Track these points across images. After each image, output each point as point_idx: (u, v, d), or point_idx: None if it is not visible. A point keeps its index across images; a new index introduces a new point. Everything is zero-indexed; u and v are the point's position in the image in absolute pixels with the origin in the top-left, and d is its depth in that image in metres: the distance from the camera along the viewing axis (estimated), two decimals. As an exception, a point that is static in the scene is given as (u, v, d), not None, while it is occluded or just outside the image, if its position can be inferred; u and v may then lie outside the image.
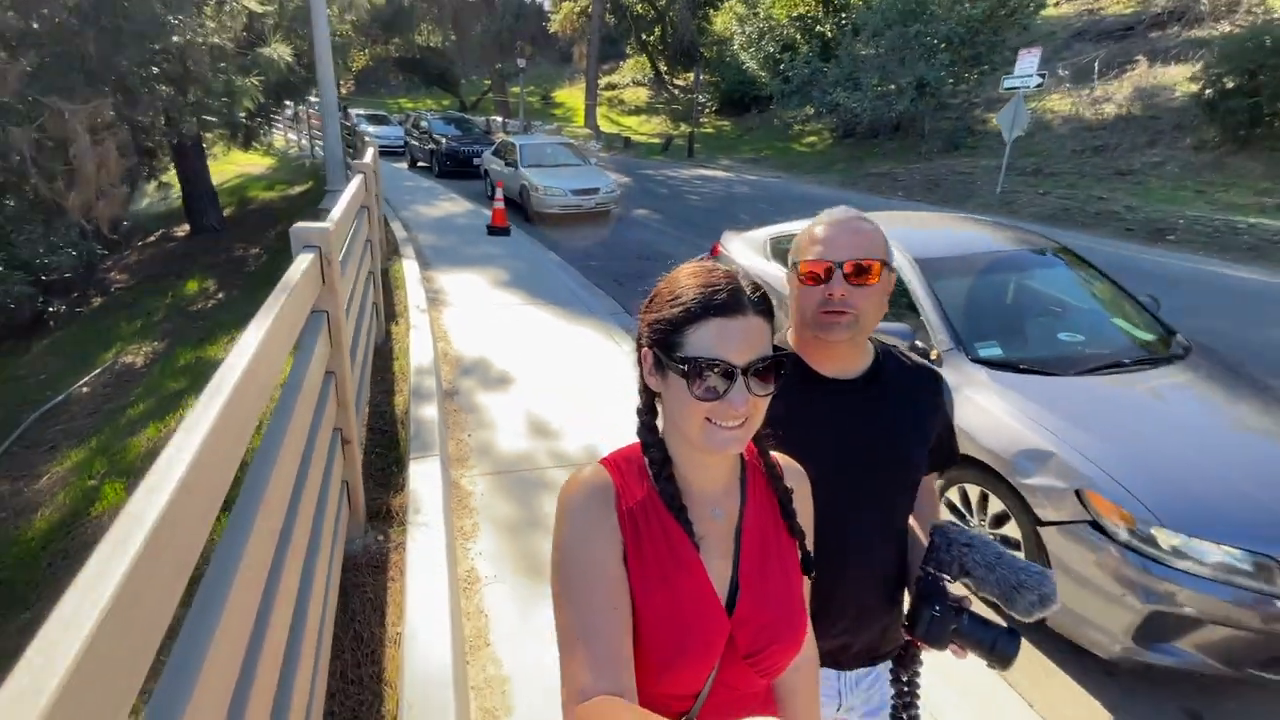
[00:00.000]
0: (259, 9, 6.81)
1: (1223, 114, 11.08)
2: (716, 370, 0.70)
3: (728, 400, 0.70)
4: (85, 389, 5.07)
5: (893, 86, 16.51)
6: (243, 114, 7.46)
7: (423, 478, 2.91)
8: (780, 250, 4.34)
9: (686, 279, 0.75)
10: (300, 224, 2.05)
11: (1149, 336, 3.11)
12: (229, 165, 17.83)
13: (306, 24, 8.59)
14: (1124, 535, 2.15)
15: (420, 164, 16.79)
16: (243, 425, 1.08)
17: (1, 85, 4.05)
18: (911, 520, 1.17)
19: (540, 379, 4.34)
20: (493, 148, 13.05)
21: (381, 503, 2.77)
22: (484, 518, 2.87)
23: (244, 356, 1.13)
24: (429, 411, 3.58)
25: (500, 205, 9.31)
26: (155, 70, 5.81)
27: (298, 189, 12.88)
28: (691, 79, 29.99)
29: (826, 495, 0.98)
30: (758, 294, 0.74)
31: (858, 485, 1.05)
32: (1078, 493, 2.26)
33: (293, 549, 1.33)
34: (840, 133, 19.79)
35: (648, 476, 0.80)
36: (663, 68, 34.58)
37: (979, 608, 1.05)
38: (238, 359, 1.12)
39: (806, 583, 0.89)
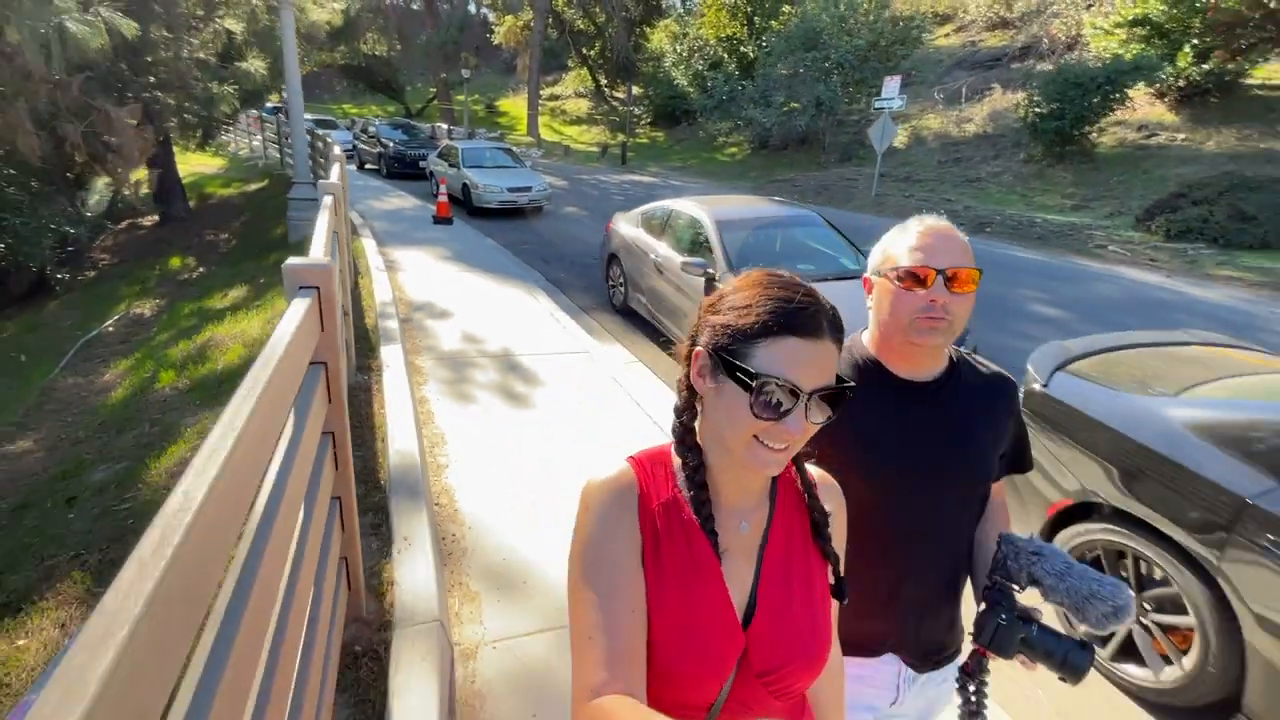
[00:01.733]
0: (236, 29, 8.17)
1: (1041, 134, 13.69)
2: (784, 391, 0.67)
3: (784, 423, 0.68)
4: (110, 329, 6.35)
5: (796, 105, 18.83)
6: (219, 118, 8.76)
7: (389, 354, 4.53)
8: (647, 221, 6.11)
9: (764, 288, 0.72)
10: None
11: (851, 264, 5.01)
12: (181, 165, 18.55)
13: (269, 39, 9.96)
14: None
15: (368, 166, 18.02)
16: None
17: (67, 93, 5.32)
18: (981, 529, 1.16)
19: (472, 314, 5.95)
20: (437, 150, 14.51)
21: (363, 365, 4.36)
22: (430, 375, 4.48)
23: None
24: (391, 325, 5.18)
25: (444, 199, 10.85)
26: (152, 79, 7.14)
27: (253, 186, 14.00)
28: (637, 92, 32.04)
29: (891, 493, 1.01)
30: (836, 319, 0.72)
31: (924, 486, 1.06)
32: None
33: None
34: (756, 145, 22.08)
35: (675, 479, 0.78)
36: (602, 81, 36.49)
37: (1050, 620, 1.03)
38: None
39: (836, 606, 0.85)
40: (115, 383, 4.96)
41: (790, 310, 0.68)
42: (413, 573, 2.36)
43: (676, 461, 0.79)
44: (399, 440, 3.31)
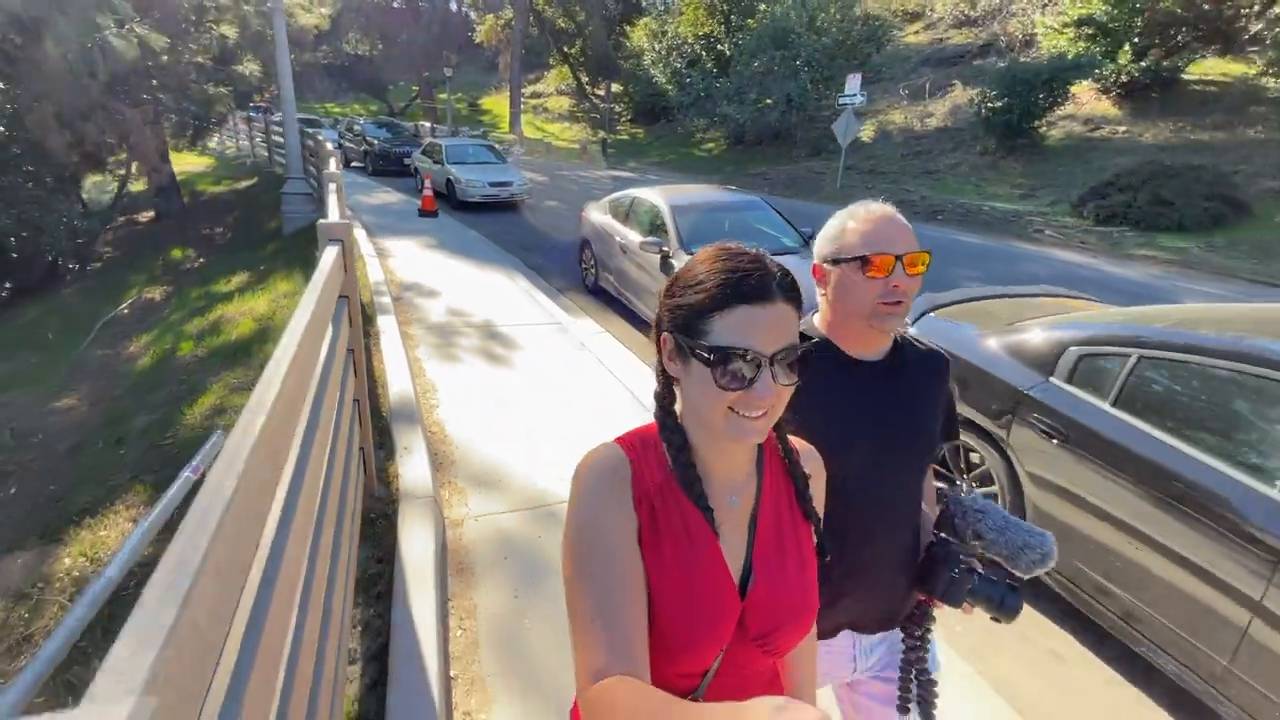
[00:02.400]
0: (231, 34, 8.72)
1: (993, 127, 14.54)
2: (743, 360, 0.68)
3: (753, 390, 0.69)
4: (126, 311, 6.93)
5: (769, 101, 19.58)
6: (214, 118, 9.33)
7: (384, 322, 5.19)
8: (614, 208, 6.79)
9: (711, 262, 0.73)
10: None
11: (789, 242, 5.73)
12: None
13: (260, 43, 10.50)
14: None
15: (354, 164, 18.52)
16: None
17: (87, 97, 5.88)
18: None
19: (457, 293, 6.61)
20: (421, 148, 15.08)
21: (364, 331, 5.02)
22: (420, 340, 5.15)
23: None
24: (385, 300, 5.84)
25: (429, 194, 11.46)
26: (154, 82, 7.71)
27: (243, 183, 14.49)
28: (616, 89, 32.65)
29: (863, 472, 1.06)
30: (786, 279, 0.72)
31: (888, 461, 1.11)
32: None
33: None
34: (732, 140, 22.82)
35: (664, 460, 0.79)
36: (584, 78, 37.07)
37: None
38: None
39: (817, 564, 0.89)
40: (140, 353, 5.58)
41: (737, 279, 0.69)
42: (412, 470, 3.05)
43: (666, 448, 0.79)
44: (396, 385, 3.99)
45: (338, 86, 40.05)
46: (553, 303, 6.54)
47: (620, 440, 0.81)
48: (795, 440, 0.89)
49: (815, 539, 0.87)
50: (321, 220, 2.53)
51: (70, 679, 2.22)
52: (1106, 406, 2.44)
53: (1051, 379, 2.66)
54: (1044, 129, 14.81)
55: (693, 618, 0.75)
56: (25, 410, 4.61)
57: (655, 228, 5.86)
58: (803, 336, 0.74)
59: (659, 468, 0.78)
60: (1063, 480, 2.52)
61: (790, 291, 0.72)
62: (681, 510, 0.77)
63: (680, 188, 6.74)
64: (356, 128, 18.97)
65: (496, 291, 6.82)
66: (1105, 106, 15.35)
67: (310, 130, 12.88)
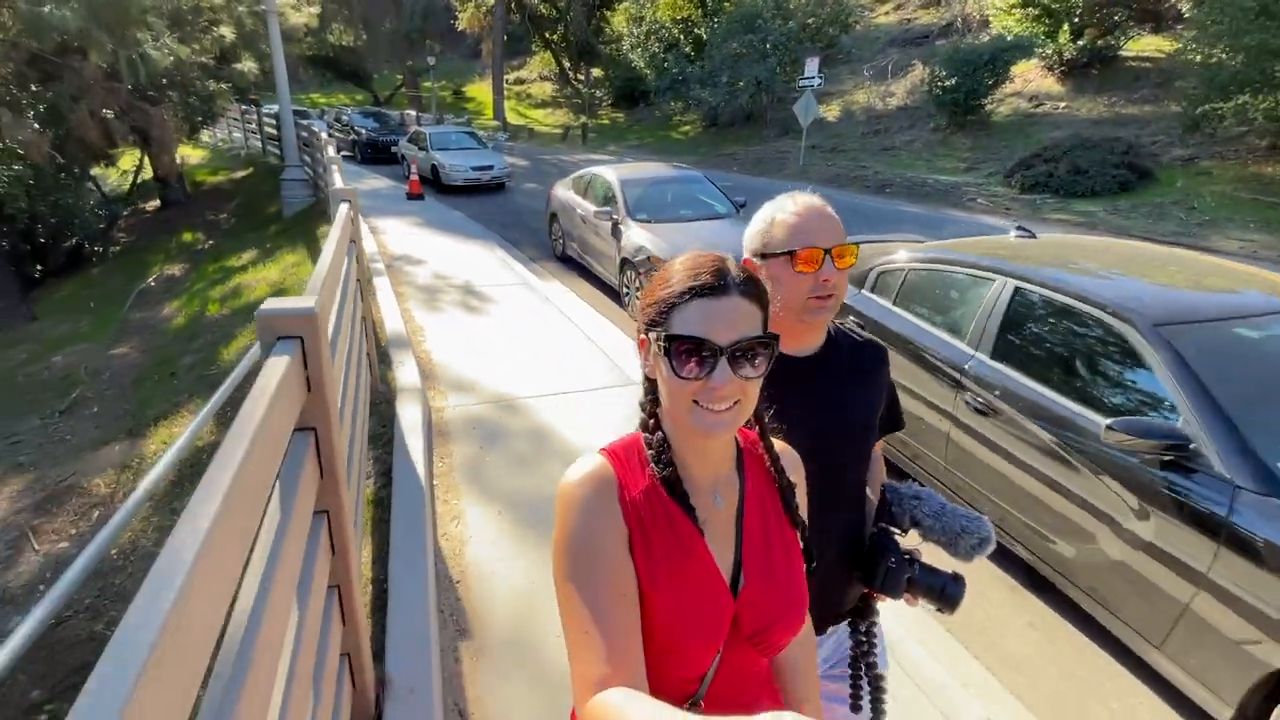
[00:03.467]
0: (230, 35, 9.59)
1: (943, 105, 15.53)
2: (698, 349, 0.71)
3: (712, 380, 0.71)
4: (153, 284, 7.91)
5: (740, 84, 20.45)
6: (216, 112, 10.22)
7: (380, 283, 6.22)
8: (576, 184, 7.77)
9: (678, 266, 0.77)
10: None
11: (722, 210, 6.76)
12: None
13: (253, 41, 11.35)
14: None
15: (344, 153, 19.34)
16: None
17: (115, 98, 6.79)
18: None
19: (441, 261, 7.62)
20: (407, 136, 15.95)
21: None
22: (410, 296, 6.17)
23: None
24: (379, 266, 6.86)
25: (416, 178, 12.39)
26: (164, 81, 8.62)
27: (240, 173, 15.35)
28: (596, 74, 33.33)
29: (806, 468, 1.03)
30: (745, 276, 0.75)
31: (829, 456, 1.09)
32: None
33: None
34: (707, 123, 23.68)
35: (648, 465, 0.80)
36: (566, 64, 37.63)
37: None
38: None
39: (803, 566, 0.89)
40: (174, 314, 6.58)
41: (694, 275, 0.73)
42: (405, 375, 4.10)
43: (647, 449, 0.81)
44: (391, 325, 5.03)
45: (323, 77, 40.42)
46: (525, 268, 7.56)
47: (604, 451, 0.82)
48: (779, 444, 0.90)
49: (802, 544, 0.88)
50: (333, 187, 3.54)
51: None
52: (889, 304, 3.51)
53: (861, 290, 3.72)
54: (991, 106, 15.79)
55: (688, 618, 0.76)
56: (90, 356, 5.63)
57: (608, 199, 6.87)
58: (767, 333, 0.75)
59: (643, 474, 0.80)
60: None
61: (748, 287, 0.74)
62: (667, 512, 0.78)
63: (632, 165, 7.76)
64: (344, 118, 19.77)
65: (475, 260, 7.83)
66: (1050, 84, 16.33)
67: (303, 122, 13.77)
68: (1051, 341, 2.72)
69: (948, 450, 3.04)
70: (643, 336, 0.79)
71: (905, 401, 3.31)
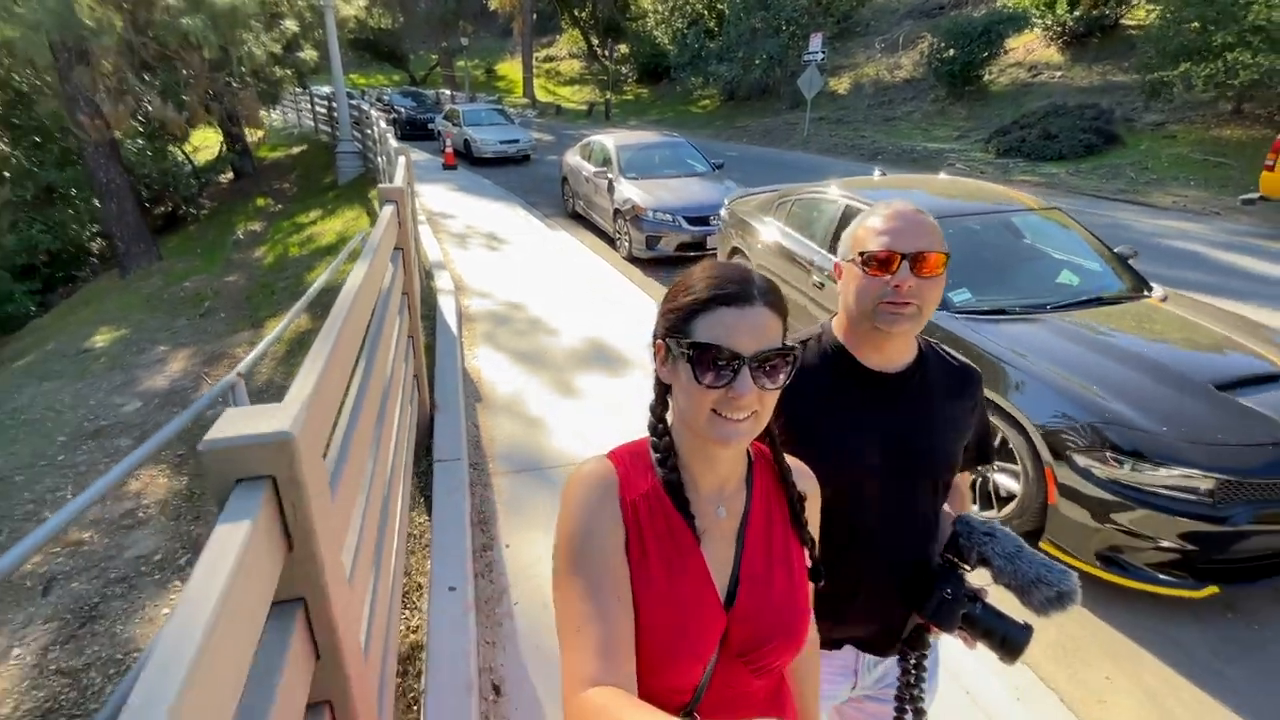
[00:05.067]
0: (295, 28, 11.22)
1: (942, 76, 16.35)
2: (722, 358, 0.71)
3: (733, 389, 0.71)
4: (241, 236, 9.73)
5: (757, 60, 21.40)
6: (280, 95, 11.93)
7: (423, 230, 7.82)
8: (582, 150, 9.22)
9: (700, 272, 0.77)
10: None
11: (700, 169, 8.13)
12: (217, 136, 21.89)
13: (310, 31, 13.00)
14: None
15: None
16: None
17: (218, 84, 8.46)
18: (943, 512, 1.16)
19: (471, 217, 9.19)
20: (443, 113, 17.55)
21: (409, 234, 7.70)
22: (445, 240, 7.76)
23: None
24: (421, 219, 8.47)
25: (450, 151, 13.99)
26: (244, 69, 10.34)
27: (296, 150, 17.21)
28: (621, 51, 34.37)
29: (864, 486, 1.02)
30: (769, 287, 0.75)
31: (891, 477, 1.07)
32: (630, 210, 7.25)
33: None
34: (725, 97, 24.66)
35: (653, 469, 0.81)
36: (594, 41, 38.65)
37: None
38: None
39: (811, 586, 0.88)
40: (264, 256, 8.33)
41: (718, 283, 0.73)
42: (442, 283, 5.69)
43: (653, 453, 0.81)
44: (432, 254, 6.63)
45: (362, 59, 42.34)
46: (539, 222, 9.08)
47: (610, 454, 0.83)
48: (791, 459, 0.89)
49: (810, 561, 0.87)
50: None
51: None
52: (780, 223, 4.91)
53: (765, 217, 5.12)
54: (991, 76, 16.53)
55: (674, 625, 0.76)
56: (209, 282, 7.41)
57: (606, 161, 8.31)
58: (788, 345, 0.74)
59: (646, 477, 0.80)
60: (762, 255, 5.02)
61: (771, 298, 0.74)
62: (668, 519, 0.79)
63: (628, 133, 9.17)
64: (385, 98, 21.54)
65: (499, 215, 9.39)
66: (1051, 53, 16.92)
67: (352, 103, 15.47)
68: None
69: (804, 316, 4.46)
70: (660, 341, 0.78)
71: (785, 291, 4.74)
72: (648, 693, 0.76)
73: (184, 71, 8.09)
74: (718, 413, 0.72)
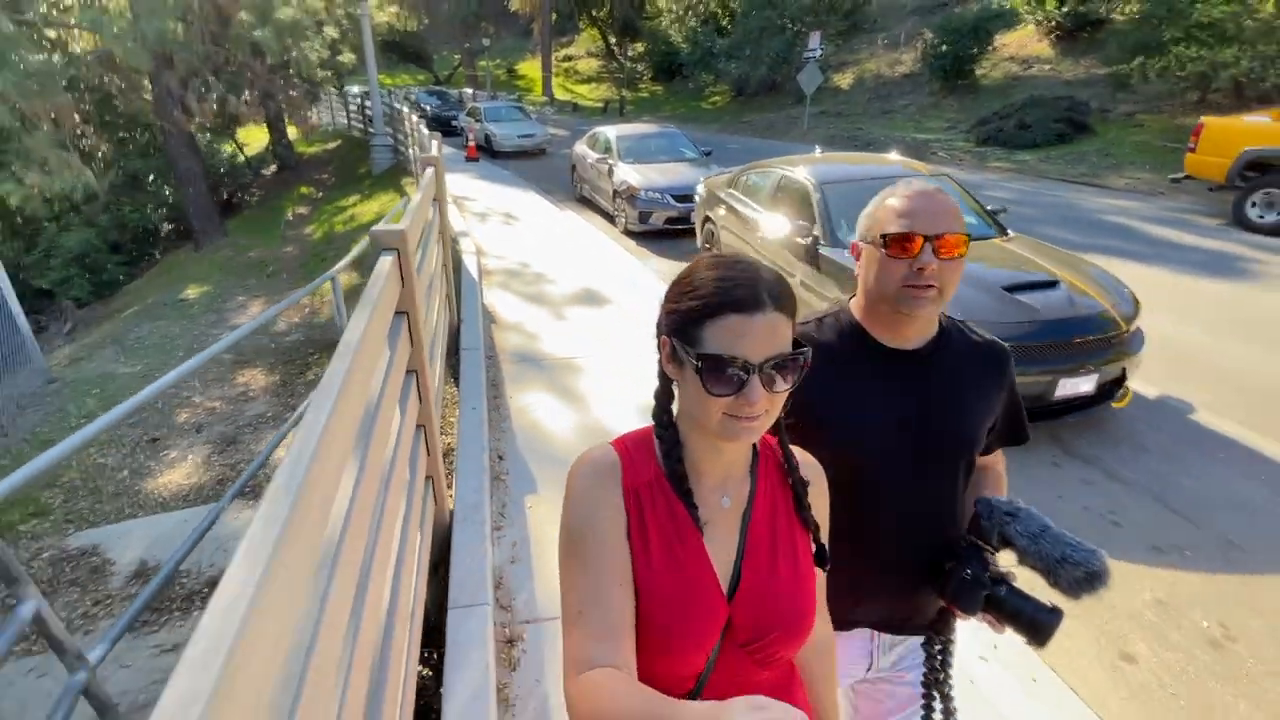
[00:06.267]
0: (335, 34, 12.58)
1: (936, 71, 17.22)
2: (733, 367, 0.70)
3: (744, 396, 0.70)
4: (291, 217, 11.12)
5: (764, 57, 22.39)
6: (319, 95, 13.32)
7: (450, 210, 9.09)
8: (589, 140, 10.39)
9: (705, 270, 0.75)
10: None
11: (691, 155, 9.26)
12: (261, 133, 23.49)
13: (347, 36, 14.36)
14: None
15: (412, 127, 22.59)
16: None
17: (274, 84, 9.84)
18: (970, 494, 1.14)
19: (490, 201, 10.43)
20: (465, 110, 18.88)
21: (437, 212, 9.00)
22: (469, 217, 9.01)
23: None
24: (449, 199, 9.75)
25: (472, 145, 15.29)
26: (290, 71, 11.71)
27: (331, 145, 18.70)
28: (637, 49, 35.53)
29: (881, 467, 1.00)
30: (778, 287, 0.73)
31: (908, 457, 1.05)
32: (631, 194, 8.42)
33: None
34: (735, 93, 25.68)
35: (657, 458, 0.81)
36: (611, 40, 39.83)
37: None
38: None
39: (821, 575, 0.89)
40: (313, 233, 9.67)
41: (727, 288, 0.71)
42: (466, 246, 6.92)
43: (658, 444, 0.82)
44: (457, 226, 7.87)
45: (388, 59, 44.09)
46: (551, 205, 10.29)
47: (615, 442, 0.83)
48: (798, 451, 0.89)
49: (815, 547, 0.86)
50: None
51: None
52: (736, 193, 6.03)
53: (729, 188, 6.24)
54: (983, 70, 17.34)
55: (675, 613, 0.77)
56: (270, 253, 8.78)
57: (607, 149, 9.48)
58: (797, 344, 0.73)
59: (651, 465, 0.81)
60: (723, 219, 6.15)
61: (782, 300, 0.72)
62: (671, 507, 0.79)
63: (628, 125, 10.33)
64: (411, 97, 22.96)
65: (515, 199, 10.63)
66: (1043, 48, 17.68)
67: (384, 101, 16.87)
68: (789, 199, 5.22)
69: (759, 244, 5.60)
70: (664, 337, 0.78)
71: (733, 241, 5.87)
72: (652, 679, 0.76)
73: (248, 75, 9.44)
74: (729, 415, 0.72)
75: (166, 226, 12.01)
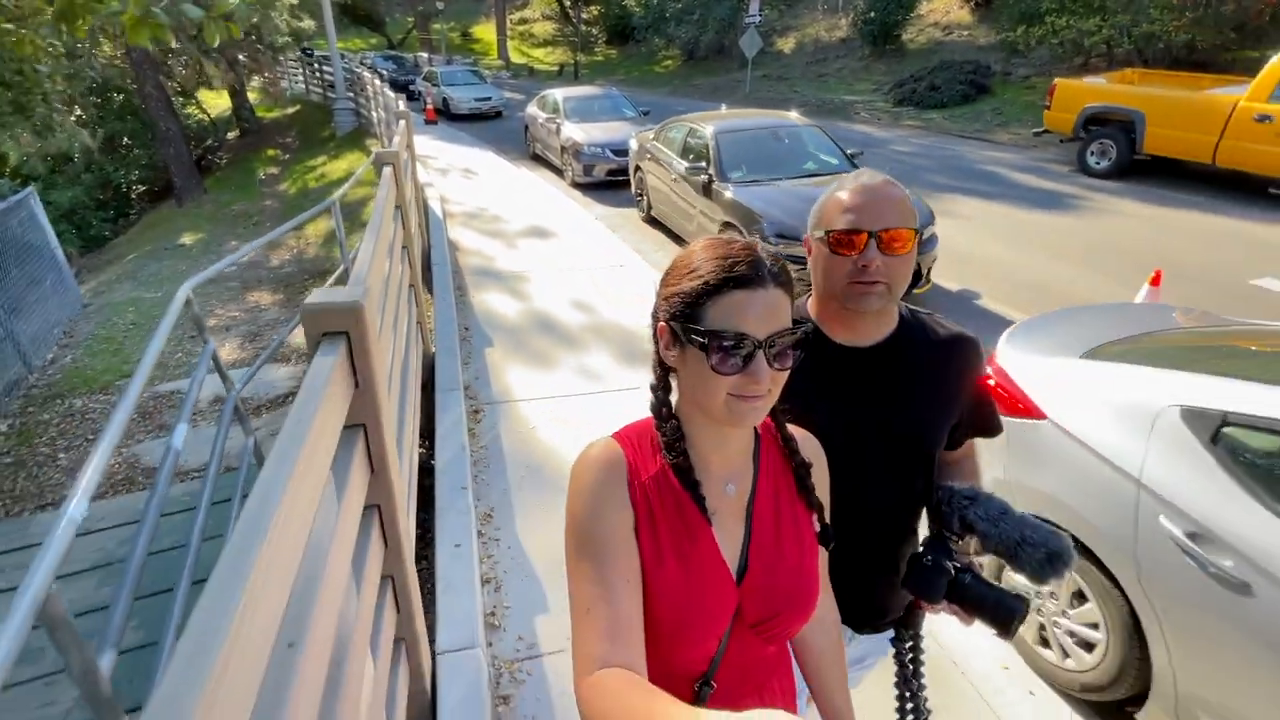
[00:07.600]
0: (295, 0, 13.16)
1: (865, 35, 18.50)
2: (738, 343, 0.70)
3: (750, 374, 0.71)
4: (264, 176, 11.89)
5: (711, 22, 23.27)
6: (279, 60, 13.90)
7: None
8: (539, 102, 11.42)
9: (703, 251, 0.75)
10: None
11: (630, 114, 10.42)
12: (220, 98, 23.46)
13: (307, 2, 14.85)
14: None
15: (369, 92, 22.93)
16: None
17: (240, 51, 10.44)
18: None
19: (450, 160, 11.42)
20: (422, 75, 19.46)
21: (403, 168, 10.03)
22: (431, 174, 10.05)
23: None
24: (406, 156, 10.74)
25: (430, 108, 16.05)
26: (253, 38, 12.34)
27: (290, 110, 19.12)
28: (592, 12, 35.77)
29: (833, 463, 0.97)
30: (777, 265, 0.74)
31: (865, 454, 1.05)
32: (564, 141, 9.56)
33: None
34: (685, 56, 26.53)
35: (660, 451, 0.81)
36: (567, 3, 39.80)
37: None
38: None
39: (823, 554, 0.90)
40: (288, 189, 10.55)
41: (729, 265, 0.71)
42: (432, 195, 8.03)
43: (660, 437, 0.81)
44: (423, 179, 8.94)
45: (340, 23, 43.13)
46: (506, 161, 11.35)
47: (617, 435, 0.84)
48: (793, 428, 0.90)
49: (818, 526, 0.88)
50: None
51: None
52: (659, 144, 7.28)
53: (652, 139, 7.48)
54: (909, 35, 18.68)
55: (689, 606, 0.78)
56: (252, 206, 9.67)
57: (555, 110, 10.57)
58: (796, 321, 0.74)
59: (655, 459, 0.81)
60: (648, 167, 7.42)
61: (781, 277, 0.73)
62: (677, 499, 0.80)
63: (577, 88, 11.40)
64: (367, 62, 23.20)
65: (473, 157, 11.65)
66: (964, 15, 19.08)
67: (344, 65, 17.35)
68: (695, 147, 6.50)
69: (672, 209, 6.88)
70: (663, 324, 0.77)
71: (657, 184, 7.14)
72: (666, 666, 0.79)
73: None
74: (734, 395, 0.72)
75: (140, 188, 12.60)
